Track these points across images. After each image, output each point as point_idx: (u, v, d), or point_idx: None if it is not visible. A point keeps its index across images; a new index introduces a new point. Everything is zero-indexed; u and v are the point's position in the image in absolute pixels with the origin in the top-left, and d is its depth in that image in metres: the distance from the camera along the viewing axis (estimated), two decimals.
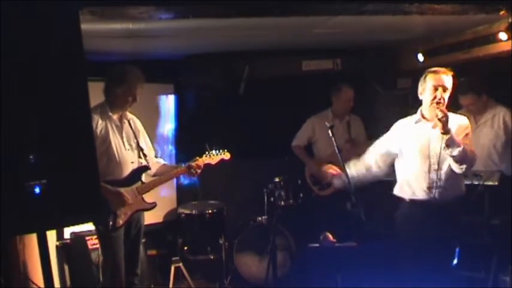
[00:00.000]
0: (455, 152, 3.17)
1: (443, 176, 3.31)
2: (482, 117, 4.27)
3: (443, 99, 3.25)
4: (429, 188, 3.34)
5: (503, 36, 3.95)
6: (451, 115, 3.40)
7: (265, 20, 3.57)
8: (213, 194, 5.15)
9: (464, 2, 3.12)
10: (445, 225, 3.29)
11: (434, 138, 3.29)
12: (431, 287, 3.26)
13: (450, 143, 3.17)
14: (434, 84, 3.26)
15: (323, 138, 4.79)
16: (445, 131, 3.13)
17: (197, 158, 3.86)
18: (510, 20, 3.81)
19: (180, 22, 3.49)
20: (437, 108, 3.18)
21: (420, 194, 3.37)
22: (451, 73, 3.31)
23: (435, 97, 3.25)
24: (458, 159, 3.21)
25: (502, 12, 3.30)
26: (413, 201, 3.41)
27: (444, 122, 3.11)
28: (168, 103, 5.61)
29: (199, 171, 3.84)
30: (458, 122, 3.38)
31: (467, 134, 3.36)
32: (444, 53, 4.80)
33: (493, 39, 4.11)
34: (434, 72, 3.32)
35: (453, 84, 3.32)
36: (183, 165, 3.89)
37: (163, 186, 4.53)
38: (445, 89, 3.26)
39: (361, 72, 5.79)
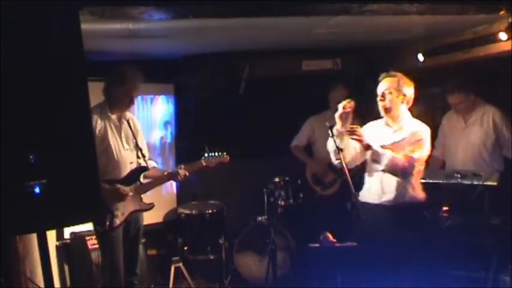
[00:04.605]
0: (381, 166, 3.27)
1: (390, 182, 3.35)
2: (471, 117, 4.29)
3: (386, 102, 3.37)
4: (381, 193, 3.39)
5: (503, 36, 3.95)
6: (411, 120, 3.44)
7: (265, 20, 3.56)
8: (213, 194, 5.15)
9: (464, 2, 3.12)
10: (398, 228, 3.28)
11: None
12: (431, 287, 3.27)
13: (375, 158, 3.26)
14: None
15: (322, 137, 4.77)
16: (365, 148, 3.23)
17: (181, 166, 3.85)
18: (510, 20, 3.81)
19: (180, 22, 3.48)
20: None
21: (375, 198, 3.43)
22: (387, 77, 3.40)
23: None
24: (388, 171, 3.29)
25: (502, 12, 3.30)
26: (371, 205, 3.46)
27: (356, 138, 3.20)
28: (168, 103, 5.61)
29: (185, 177, 3.83)
30: (413, 128, 3.42)
31: (418, 141, 3.37)
32: (444, 53, 4.80)
33: (493, 39, 4.11)
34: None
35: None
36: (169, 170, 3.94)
37: (163, 185, 4.54)
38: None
39: (361, 72, 5.79)
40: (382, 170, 3.29)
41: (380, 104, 3.39)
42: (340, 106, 3.28)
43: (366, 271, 3.15)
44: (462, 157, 4.30)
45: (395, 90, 3.35)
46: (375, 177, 3.42)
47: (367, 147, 3.21)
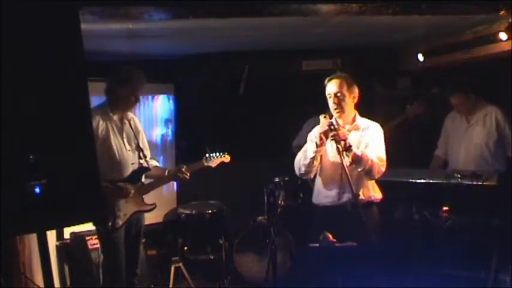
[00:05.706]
0: (360, 168, 3.24)
1: (352, 183, 3.27)
2: (473, 117, 4.30)
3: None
4: (340, 195, 3.38)
5: (503, 36, 3.95)
6: (361, 118, 3.46)
7: (265, 20, 3.56)
8: (213, 194, 5.14)
9: (464, 2, 3.12)
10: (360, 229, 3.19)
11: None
12: (432, 287, 3.26)
13: (355, 159, 3.21)
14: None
15: None
16: (346, 149, 3.17)
17: (183, 166, 3.85)
18: (510, 20, 3.82)
19: (180, 22, 3.48)
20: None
21: (332, 200, 3.43)
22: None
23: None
24: (365, 172, 3.28)
25: (502, 12, 3.30)
26: (327, 207, 3.46)
27: (341, 139, 3.16)
28: (168, 103, 5.61)
29: (187, 177, 3.84)
30: (368, 125, 3.44)
31: (377, 137, 3.41)
32: (444, 53, 4.80)
33: (493, 39, 4.11)
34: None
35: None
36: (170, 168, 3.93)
37: (163, 185, 4.53)
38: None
39: (361, 72, 5.79)
40: (362, 171, 3.28)
41: (333, 105, 3.40)
42: (322, 121, 3.28)
43: (366, 270, 3.15)
44: (464, 157, 4.31)
45: (347, 91, 3.37)
46: (334, 179, 3.40)
47: (349, 148, 3.20)
